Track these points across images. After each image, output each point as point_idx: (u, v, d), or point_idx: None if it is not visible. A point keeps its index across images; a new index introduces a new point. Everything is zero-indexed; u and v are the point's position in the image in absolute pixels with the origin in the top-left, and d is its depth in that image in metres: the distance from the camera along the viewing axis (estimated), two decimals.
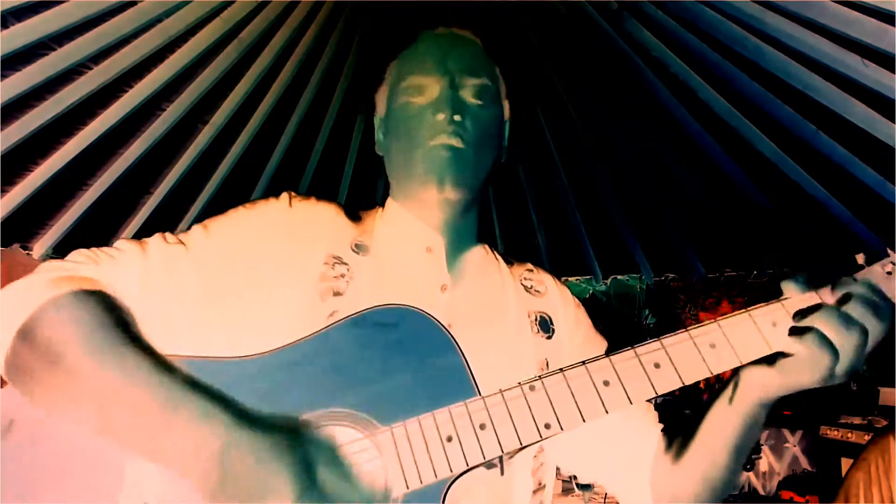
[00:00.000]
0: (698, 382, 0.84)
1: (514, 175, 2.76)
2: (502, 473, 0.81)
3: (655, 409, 1.08)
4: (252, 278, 0.93)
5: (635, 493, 1.02)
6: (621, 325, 7.93)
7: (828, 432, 5.07)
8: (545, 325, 1.07)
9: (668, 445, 1.00)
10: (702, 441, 0.93)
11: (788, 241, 2.48)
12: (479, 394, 0.81)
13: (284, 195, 1.01)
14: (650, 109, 2.32)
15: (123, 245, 0.92)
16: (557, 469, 1.10)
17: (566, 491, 5.55)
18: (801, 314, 0.83)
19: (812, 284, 0.86)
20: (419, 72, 1.02)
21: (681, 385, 0.82)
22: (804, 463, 5.42)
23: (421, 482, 0.75)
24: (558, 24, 2.14)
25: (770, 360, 0.83)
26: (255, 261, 0.94)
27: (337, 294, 0.93)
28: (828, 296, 0.84)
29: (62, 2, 1.79)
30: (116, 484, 0.77)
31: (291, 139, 2.52)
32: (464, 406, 0.79)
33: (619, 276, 3.07)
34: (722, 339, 0.83)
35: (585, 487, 4.90)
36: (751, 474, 5.37)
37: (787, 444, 5.48)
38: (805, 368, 0.80)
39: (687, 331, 0.84)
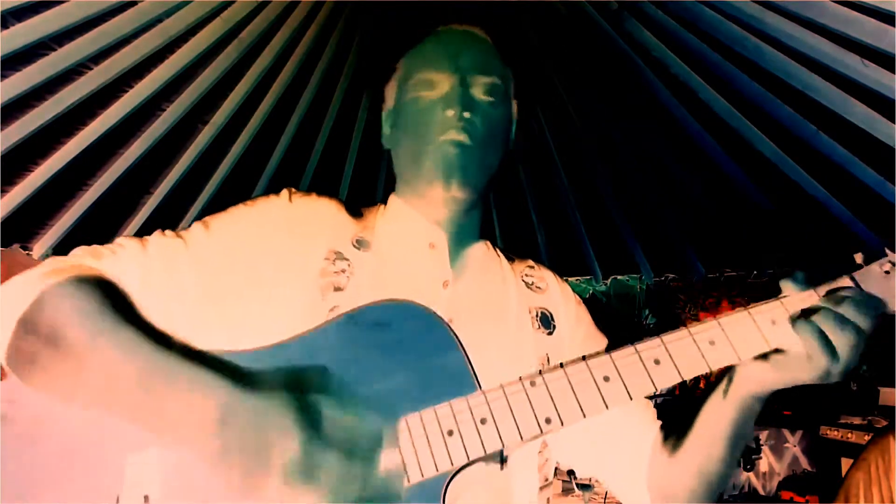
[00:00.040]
0: (698, 383, 0.84)
1: (514, 175, 2.77)
2: (502, 468, 0.81)
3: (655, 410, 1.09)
4: (252, 275, 0.93)
5: (633, 489, 1.03)
6: (621, 326, 7.93)
7: (828, 432, 5.06)
8: (546, 321, 1.07)
9: (665, 439, 1.01)
10: (697, 434, 0.94)
11: (788, 240, 2.49)
12: (481, 389, 0.81)
13: (284, 191, 1.02)
14: (650, 109, 2.32)
15: (124, 241, 0.93)
16: (556, 465, 1.11)
17: (566, 491, 5.54)
18: (800, 313, 0.83)
19: (811, 282, 0.86)
20: (431, 67, 1.02)
21: (680, 380, 0.83)
22: (804, 463, 5.41)
23: (422, 475, 0.76)
24: (558, 24, 2.15)
25: (765, 354, 0.84)
26: (255, 257, 0.94)
27: (338, 289, 0.93)
28: (821, 296, 0.85)
29: (62, 2, 1.79)
30: (116, 482, 0.77)
31: (292, 139, 2.52)
32: (465, 400, 0.79)
33: (619, 276, 3.08)
34: (721, 337, 0.84)
35: (585, 487, 4.89)
36: (751, 474, 5.36)
37: (787, 445, 5.47)
38: (801, 365, 0.81)
39: (687, 328, 0.85)
